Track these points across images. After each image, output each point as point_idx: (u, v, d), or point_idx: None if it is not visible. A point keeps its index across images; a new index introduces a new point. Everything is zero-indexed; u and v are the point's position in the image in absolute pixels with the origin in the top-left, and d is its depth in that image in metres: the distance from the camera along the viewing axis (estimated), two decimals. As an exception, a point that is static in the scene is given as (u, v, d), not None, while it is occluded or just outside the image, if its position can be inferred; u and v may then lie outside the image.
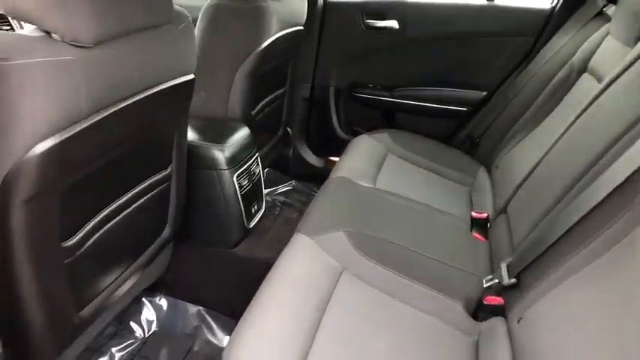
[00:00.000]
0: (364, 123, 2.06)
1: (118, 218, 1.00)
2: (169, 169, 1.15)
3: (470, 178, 1.65)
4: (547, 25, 1.72)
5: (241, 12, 1.49)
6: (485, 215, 1.41)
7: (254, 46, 1.51)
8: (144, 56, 0.89)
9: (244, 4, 1.49)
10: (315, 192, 2.07)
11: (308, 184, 2.14)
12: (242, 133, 1.48)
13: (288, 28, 1.67)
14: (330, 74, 2.02)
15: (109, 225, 0.98)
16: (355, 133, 1.94)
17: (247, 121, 1.61)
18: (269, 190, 2.09)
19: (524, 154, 1.48)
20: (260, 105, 1.73)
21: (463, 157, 1.78)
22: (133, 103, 0.87)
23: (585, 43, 1.49)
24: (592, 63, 1.42)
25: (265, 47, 1.53)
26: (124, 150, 0.94)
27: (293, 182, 2.17)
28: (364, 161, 1.56)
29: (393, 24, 1.88)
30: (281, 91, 1.91)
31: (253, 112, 1.68)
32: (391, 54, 1.93)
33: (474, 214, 1.41)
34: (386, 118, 2.05)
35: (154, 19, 0.89)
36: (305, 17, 1.82)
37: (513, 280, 1.00)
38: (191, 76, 1.07)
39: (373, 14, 1.89)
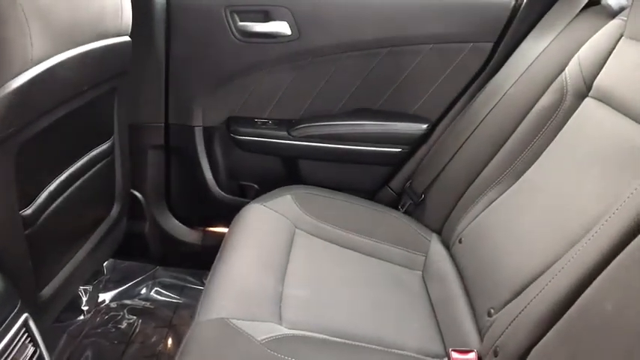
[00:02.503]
0: (253, 174, 1.54)
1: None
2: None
3: (419, 254, 1.22)
4: (511, 23, 1.28)
5: None
6: (474, 358, 0.92)
7: None
8: None
9: None
10: (192, 283, 1.54)
11: (178, 271, 1.60)
12: None
13: (87, 41, 0.93)
14: (193, 108, 1.44)
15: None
16: (241, 190, 1.53)
17: (9, 236, 0.84)
18: (115, 291, 1.50)
19: (514, 227, 1.01)
20: (52, 188, 0.97)
21: (402, 222, 1.32)
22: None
23: (581, 51, 1.05)
24: (601, 82, 0.98)
25: (22, 87, 0.75)
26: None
27: (156, 271, 1.58)
28: (260, 263, 1.05)
29: (283, 28, 1.34)
30: (106, 145, 1.17)
31: (30, 211, 0.90)
32: (284, 74, 1.41)
33: (455, 355, 0.93)
34: (285, 168, 1.51)
35: None
36: (130, 19, 1.10)
37: None
38: None
39: (250, 13, 1.35)
